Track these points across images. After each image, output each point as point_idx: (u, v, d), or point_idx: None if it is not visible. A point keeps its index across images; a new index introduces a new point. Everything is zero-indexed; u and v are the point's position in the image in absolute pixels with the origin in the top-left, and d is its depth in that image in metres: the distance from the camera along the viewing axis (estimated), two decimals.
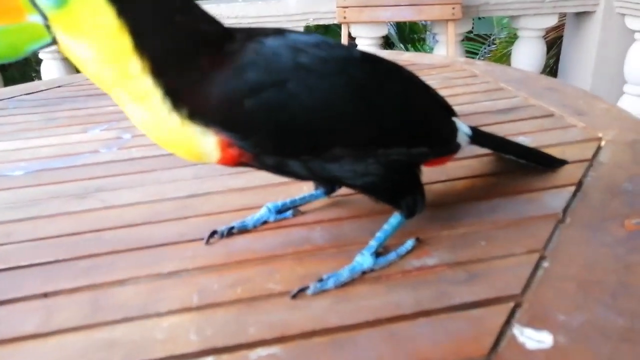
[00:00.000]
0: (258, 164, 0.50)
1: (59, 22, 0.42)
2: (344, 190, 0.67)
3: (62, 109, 1.18)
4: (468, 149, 0.64)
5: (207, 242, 0.59)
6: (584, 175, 0.67)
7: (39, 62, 2.48)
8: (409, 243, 0.56)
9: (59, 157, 0.89)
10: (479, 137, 0.63)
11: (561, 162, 0.71)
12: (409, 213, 0.56)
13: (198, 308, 0.48)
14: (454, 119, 0.61)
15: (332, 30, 3.18)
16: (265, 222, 0.62)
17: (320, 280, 0.50)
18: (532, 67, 2.33)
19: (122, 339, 0.45)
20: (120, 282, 0.54)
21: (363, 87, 0.49)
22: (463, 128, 0.61)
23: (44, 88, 1.36)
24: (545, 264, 0.51)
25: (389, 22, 2.51)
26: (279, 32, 0.49)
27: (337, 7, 2.22)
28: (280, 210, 0.63)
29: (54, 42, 0.43)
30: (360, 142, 0.50)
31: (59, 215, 0.69)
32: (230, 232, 0.60)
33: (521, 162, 0.70)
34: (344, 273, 0.51)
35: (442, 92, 1.04)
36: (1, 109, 1.22)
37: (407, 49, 3.58)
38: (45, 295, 0.52)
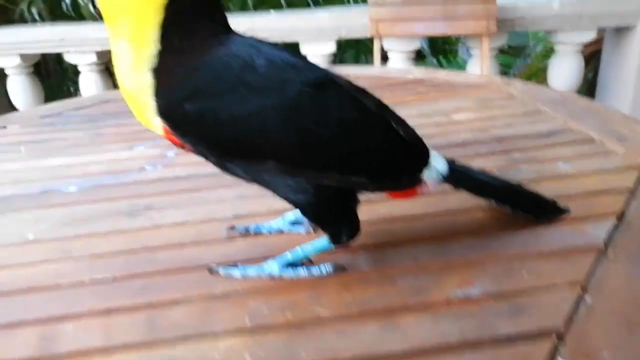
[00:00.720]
0: (201, 156, 0.55)
1: None
2: (385, 216, 0.69)
3: (107, 125, 1.24)
4: None
5: (227, 234, 0.68)
6: (626, 205, 0.67)
7: (77, 73, 2.58)
8: (327, 267, 0.59)
9: (108, 174, 0.94)
10: (456, 176, 0.61)
11: (560, 212, 0.66)
12: (334, 240, 0.58)
13: (251, 330, 0.51)
14: (432, 153, 0.60)
15: (363, 44, 3.21)
16: (281, 231, 0.69)
17: (233, 265, 0.60)
18: (569, 82, 2.30)
19: (181, 358, 0.48)
20: (175, 302, 0.57)
21: (297, 110, 0.51)
22: (438, 165, 0.59)
23: (89, 104, 1.42)
24: (588, 298, 0.52)
25: (422, 36, 2.52)
26: (255, 44, 0.53)
27: (370, 20, 2.25)
28: (294, 222, 0.69)
29: None
30: (289, 161, 0.52)
31: (112, 233, 0.73)
32: (247, 232, 0.68)
33: (506, 209, 0.66)
34: (251, 270, 0.59)
35: (480, 114, 1.07)
36: (50, 124, 1.29)
37: (439, 62, 3.57)
38: (109, 311, 0.56)
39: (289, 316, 0.52)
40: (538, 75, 3.14)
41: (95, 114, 1.35)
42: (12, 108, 2.67)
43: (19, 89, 2.54)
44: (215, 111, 0.50)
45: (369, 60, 3.81)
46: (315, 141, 0.52)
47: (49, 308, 0.57)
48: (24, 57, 2.48)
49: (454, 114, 1.08)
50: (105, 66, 2.52)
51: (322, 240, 0.59)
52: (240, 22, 2.35)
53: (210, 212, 0.76)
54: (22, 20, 2.70)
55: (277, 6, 3.13)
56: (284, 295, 0.56)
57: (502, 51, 2.51)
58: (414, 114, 1.10)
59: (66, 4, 2.68)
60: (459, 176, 0.61)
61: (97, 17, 2.58)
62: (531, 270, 0.56)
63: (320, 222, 0.58)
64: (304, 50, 2.42)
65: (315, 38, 2.38)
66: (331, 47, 2.41)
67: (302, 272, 0.58)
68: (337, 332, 0.50)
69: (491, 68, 2.26)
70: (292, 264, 0.59)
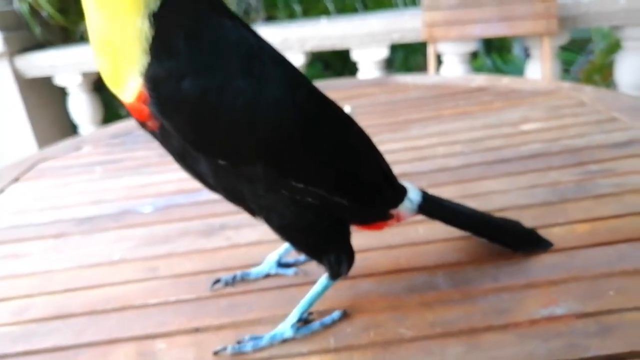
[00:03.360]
0: (161, 140, 0.49)
1: None
2: (460, 232, 0.69)
3: None
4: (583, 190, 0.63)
5: (212, 288, 0.65)
6: None
7: None
8: (336, 314, 0.57)
9: (180, 194, 0.97)
10: (429, 207, 0.61)
11: (542, 245, 0.64)
12: (332, 273, 0.56)
13: (336, 350, 0.52)
14: (406, 184, 0.60)
15: (416, 48, 3.18)
16: (267, 275, 0.67)
17: (239, 342, 0.54)
18: (638, 80, 2.19)
19: None
20: (259, 321, 0.59)
21: (305, 115, 0.49)
22: (413, 196, 0.59)
23: None
24: None
25: (479, 38, 2.47)
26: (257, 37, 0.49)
27: (424, 25, 2.22)
28: (281, 264, 0.68)
29: None
30: (282, 166, 0.48)
31: (191, 252, 0.76)
32: (234, 281, 0.66)
33: (482, 240, 0.66)
34: (264, 340, 0.54)
35: (550, 124, 1.04)
36: (120, 144, 1.35)
37: (493, 61, 3.48)
38: (197, 330, 0.59)
39: (372, 336, 0.53)
40: (602, 71, 3.00)
41: None
42: (72, 125, 2.82)
43: (81, 106, 2.68)
44: (220, 94, 0.44)
45: (418, 61, 3.77)
46: (314, 151, 0.50)
47: (142, 326, 0.60)
48: (85, 75, 2.61)
49: (522, 124, 1.05)
50: None
51: (321, 282, 0.57)
52: (291, 31, 2.39)
53: None
54: (82, 40, 2.85)
55: (325, 13, 3.15)
56: (366, 316, 0.57)
57: (563, 48, 2.41)
58: (479, 125, 1.08)
59: None
60: (432, 207, 0.62)
61: None
62: (619, 290, 0.55)
63: (315, 252, 0.56)
64: (356, 56, 2.43)
65: (367, 44, 2.39)
66: (383, 53, 2.40)
67: (315, 326, 0.56)
68: (422, 353, 0.50)
69: (553, 68, 2.18)
70: (304, 321, 0.57)
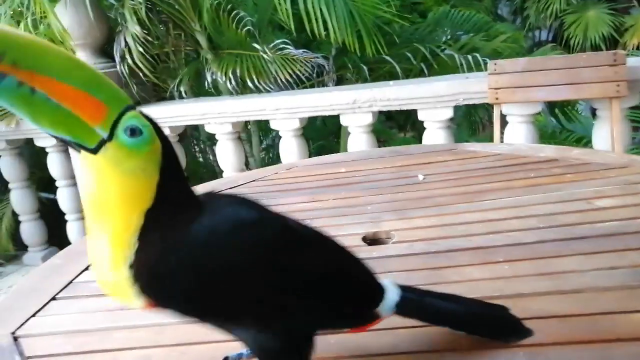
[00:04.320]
0: (175, 313, 0.57)
1: (117, 153, 0.49)
2: (541, 313, 0.72)
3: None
4: None
5: None
6: None
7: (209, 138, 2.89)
8: None
9: None
10: (407, 307, 0.64)
11: (522, 334, 0.65)
12: None
13: None
14: (385, 284, 0.63)
15: (481, 107, 3.24)
16: None
17: None
18: None
19: None
20: None
21: (278, 269, 0.55)
22: (392, 296, 0.62)
23: (242, 182, 1.60)
24: None
25: (544, 101, 2.50)
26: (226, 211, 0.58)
27: (489, 89, 2.28)
28: None
29: (88, 150, 0.49)
30: (269, 316, 0.56)
31: None
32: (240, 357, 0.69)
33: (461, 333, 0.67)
34: None
35: (625, 201, 1.06)
36: None
37: (556, 119, 3.46)
38: None
39: None
40: None
41: (247, 192, 1.51)
42: None
43: None
44: (199, 279, 0.52)
45: (480, 116, 3.81)
46: (299, 295, 0.57)
47: None
48: (172, 128, 2.85)
49: (596, 200, 1.07)
50: (238, 135, 2.82)
51: None
52: (360, 93, 2.52)
53: None
54: (171, 97, 3.12)
55: (391, 73, 3.28)
56: None
57: (632, 106, 2.39)
58: (552, 198, 1.11)
59: (207, 83, 3.07)
60: (411, 306, 0.64)
61: (233, 92, 2.90)
62: None
63: None
64: (422, 116, 2.51)
65: (433, 105, 2.47)
66: (448, 114, 2.47)
67: None
68: None
69: (622, 131, 2.16)
70: None
